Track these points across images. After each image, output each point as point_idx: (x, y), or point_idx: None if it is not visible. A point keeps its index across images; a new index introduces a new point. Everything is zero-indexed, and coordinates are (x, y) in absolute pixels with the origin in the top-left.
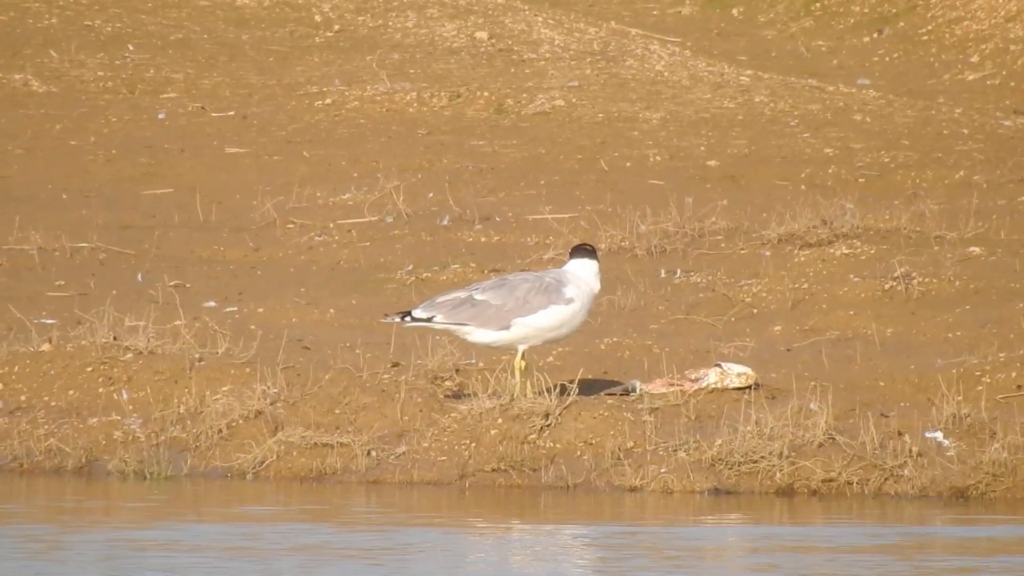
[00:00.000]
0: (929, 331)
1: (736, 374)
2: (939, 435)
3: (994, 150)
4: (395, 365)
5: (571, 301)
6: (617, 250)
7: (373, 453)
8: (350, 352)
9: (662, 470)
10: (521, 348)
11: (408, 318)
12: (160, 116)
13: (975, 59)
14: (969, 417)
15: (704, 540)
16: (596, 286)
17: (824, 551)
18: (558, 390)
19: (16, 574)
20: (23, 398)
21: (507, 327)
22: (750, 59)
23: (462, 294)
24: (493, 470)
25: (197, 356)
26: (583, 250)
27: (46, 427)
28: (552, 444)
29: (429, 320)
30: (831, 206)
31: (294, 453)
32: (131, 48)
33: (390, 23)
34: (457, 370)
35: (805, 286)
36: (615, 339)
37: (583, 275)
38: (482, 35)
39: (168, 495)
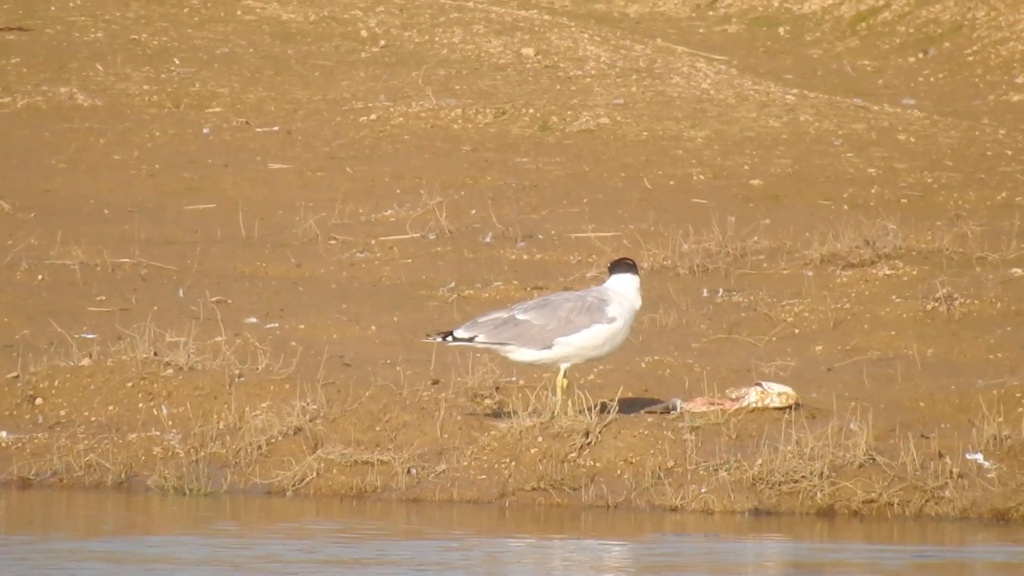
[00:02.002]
0: (970, 352)
1: (777, 393)
2: (980, 457)
3: None
4: (435, 383)
5: (614, 320)
6: (660, 269)
7: (413, 471)
8: (391, 369)
9: (702, 490)
10: (563, 366)
11: (450, 338)
12: (204, 131)
13: (1020, 80)
14: (1010, 439)
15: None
16: (637, 302)
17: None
18: (598, 408)
19: None
20: (63, 413)
21: (549, 346)
22: (796, 78)
23: (504, 314)
24: (533, 489)
25: (237, 372)
26: (624, 265)
27: (86, 442)
28: (592, 463)
29: (471, 340)
30: (874, 226)
31: (334, 470)
32: (177, 62)
33: (436, 39)
34: (497, 388)
35: (847, 306)
36: (656, 357)
37: (625, 292)
38: (528, 52)
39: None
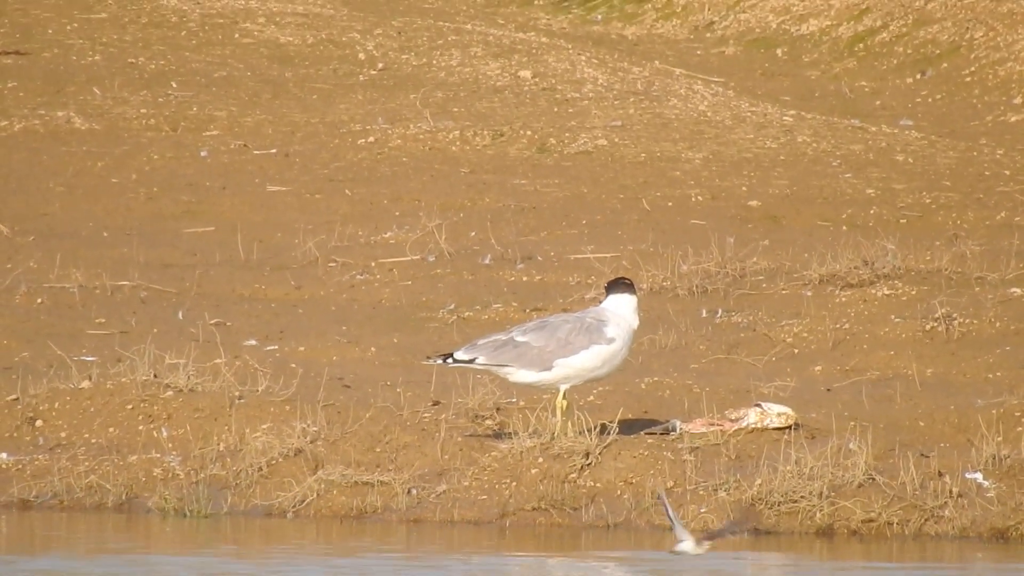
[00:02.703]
0: (969, 372)
1: (776, 414)
2: (979, 476)
3: None
4: (436, 404)
5: (612, 340)
6: (659, 290)
7: (414, 491)
8: (391, 390)
9: (702, 510)
10: (563, 388)
11: (450, 360)
12: (202, 154)
13: (1018, 100)
14: (1009, 458)
15: None
16: (635, 323)
17: None
18: (598, 429)
19: None
20: (63, 435)
21: (549, 368)
22: (793, 99)
23: (503, 336)
24: (534, 509)
25: (237, 394)
26: (621, 284)
27: (86, 464)
28: (592, 483)
29: (471, 362)
30: (872, 247)
31: (334, 491)
32: (174, 85)
33: (434, 62)
34: (498, 408)
35: (846, 326)
36: (656, 378)
37: (622, 312)
38: (526, 74)
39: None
